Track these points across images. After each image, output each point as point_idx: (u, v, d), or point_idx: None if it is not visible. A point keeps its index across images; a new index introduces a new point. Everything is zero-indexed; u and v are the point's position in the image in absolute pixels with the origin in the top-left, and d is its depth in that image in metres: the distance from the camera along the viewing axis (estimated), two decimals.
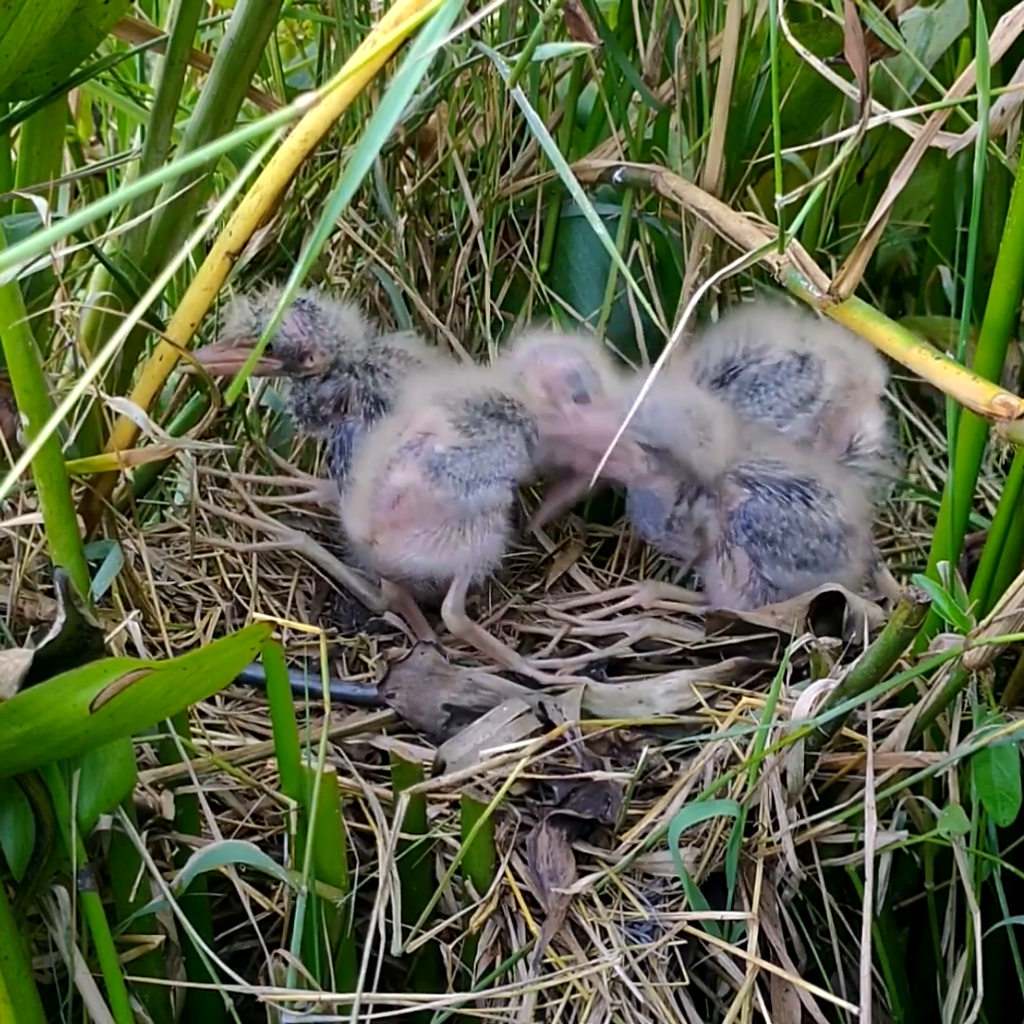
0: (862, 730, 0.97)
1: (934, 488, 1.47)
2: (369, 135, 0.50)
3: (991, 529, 1.05)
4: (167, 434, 1.15)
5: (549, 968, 0.95)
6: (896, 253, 1.78)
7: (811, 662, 1.02)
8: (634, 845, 0.98)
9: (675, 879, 0.97)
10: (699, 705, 1.08)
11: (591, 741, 1.05)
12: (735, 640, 1.15)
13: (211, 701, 1.13)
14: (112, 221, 1.19)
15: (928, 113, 0.88)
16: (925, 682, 0.99)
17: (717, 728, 1.03)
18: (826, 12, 0.93)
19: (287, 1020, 0.90)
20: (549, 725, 1.05)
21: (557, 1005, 0.93)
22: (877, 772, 0.95)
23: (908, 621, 0.86)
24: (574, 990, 0.93)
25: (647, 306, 1.16)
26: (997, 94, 0.88)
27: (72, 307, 1.09)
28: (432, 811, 1.01)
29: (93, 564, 1.00)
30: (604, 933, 0.95)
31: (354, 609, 1.29)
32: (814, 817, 0.97)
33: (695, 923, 0.96)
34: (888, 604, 1.22)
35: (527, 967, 0.95)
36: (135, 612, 1.06)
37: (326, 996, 0.91)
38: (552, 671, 1.17)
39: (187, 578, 1.25)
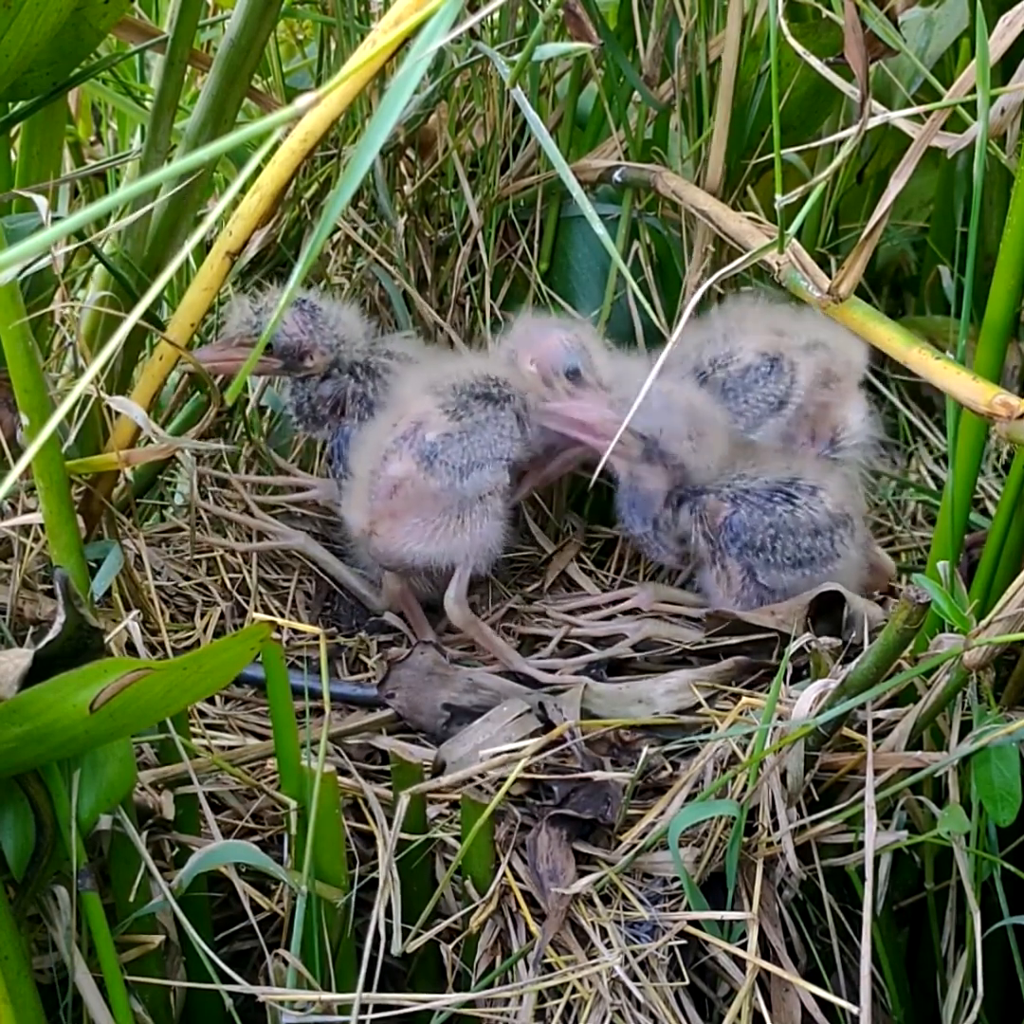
0: (862, 730, 0.97)
1: (934, 488, 1.47)
2: (369, 135, 0.50)
3: (991, 529, 1.05)
4: (167, 434, 1.15)
5: (549, 968, 0.95)
6: (896, 253, 1.78)
7: (811, 662, 1.02)
8: (634, 845, 0.98)
9: (675, 879, 0.97)
10: (699, 705, 1.08)
11: (591, 741, 1.05)
12: (734, 640, 1.15)
13: (211, 701, 1.13)
14: (112, 220, 1.19)
15: (928, 113, 0.88)
16: (925, 682, 0.99)
17: (717, 728, 1.03)
18: (826, 12, 0.93)
19: (287, 1020, 0.90)
20: (549, 725, 1.05)
21: (557, 1005, 0.93)
22: (877, 772, 0.95)
23: (908, 621, 0.86)
24: (574, 990, 0.93)
25: (647, 306, 1.16)
26: (997, 94, 0.88)
27: (72, 307, 1.09)
28: (432, 811, 1.01)
29: (93, 564, 1.00)
30: (604, 933, 0.95)
31: (354, 609, 1.29)
32: (814, 817, 0.97)
33: (695, 923, 0.96)
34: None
35: (527, 967, 0.95)
36: (135, 612, 1.06)
37: (326, 996, 0.91)
38: (552, 671, 1.17)
39: (187, 578, 1.25)
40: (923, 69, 0.98)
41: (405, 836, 0.98)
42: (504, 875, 0.97)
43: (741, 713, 1.02)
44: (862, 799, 0.93)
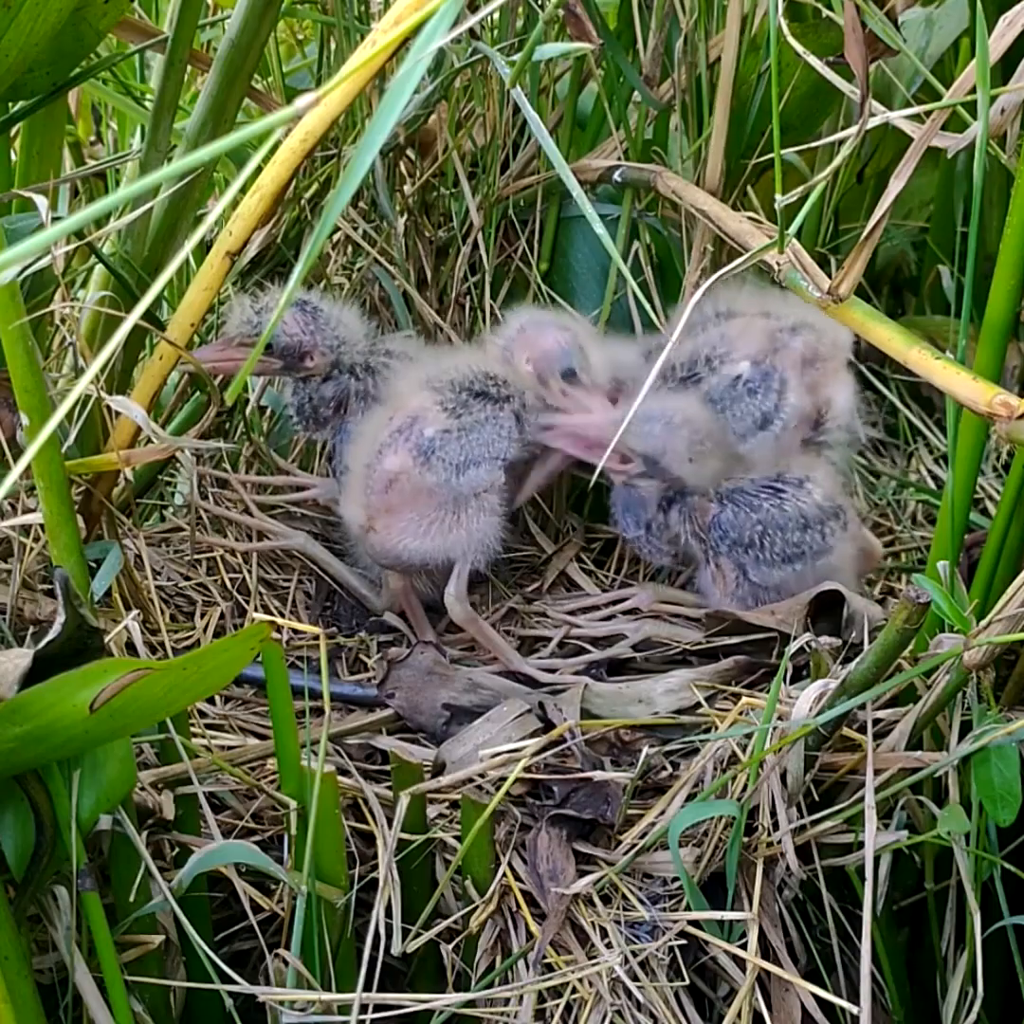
0: (862, 730, 0.97)
1: (934, 487, 1.47)
2: (369, 135, 0.50)
3: (991, 529, 1.05)
4: (167, 434, 1.15)
5: (549, 968, 0.95)
6: (896, 253, 1.78)
7: (811, 662, 1.02)
8: (634, 845, 0.98)
9: (675, 879, 0.97)
10: (699, 704, 1.08)
11: (591, 741, 1.05)
12: (734, 640, 1.15)
13: (211, 701, 1.13)
14: (112, 220, 1.19)
15: (928, 113, 0.88)
16: (925, 682, 0.99)
17: (717, 728, 1.03)
18: (826, 12, 0.93)
19: (287, 1020, 0.90)
20: (549, 725, 1.05)
21: (557, 1005, 0.93)
22: (877, 772, 0.95)
23: (908, 621, 0.86)
24: (574, 990, 0.93)
25: (647, 306, 1.16)
26: (997, 94, 0.88)
27: (72, 307, 1.09)
28: (432, 811, 1.01)
29: (93, 564, 1.00)
30: (604, 933, 0.95)
31: (354, 609, 1.29)
32: (814, 817, 0.97)
33: (695, 923, 0.96)
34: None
35: (527, 967, 0.95)
36: (135, 612, 1.06)
37: (326, 996, 0.91)
38: (552, 671, 1.17)
39: (187, 578, 1.25)
40: (923, 69, 0.98)
41: (405, 836, 0.98)
42: (504, 875, 0.97)
43: (741, 713, 1.02)
44: (862, 799, 0.93)
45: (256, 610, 1.23)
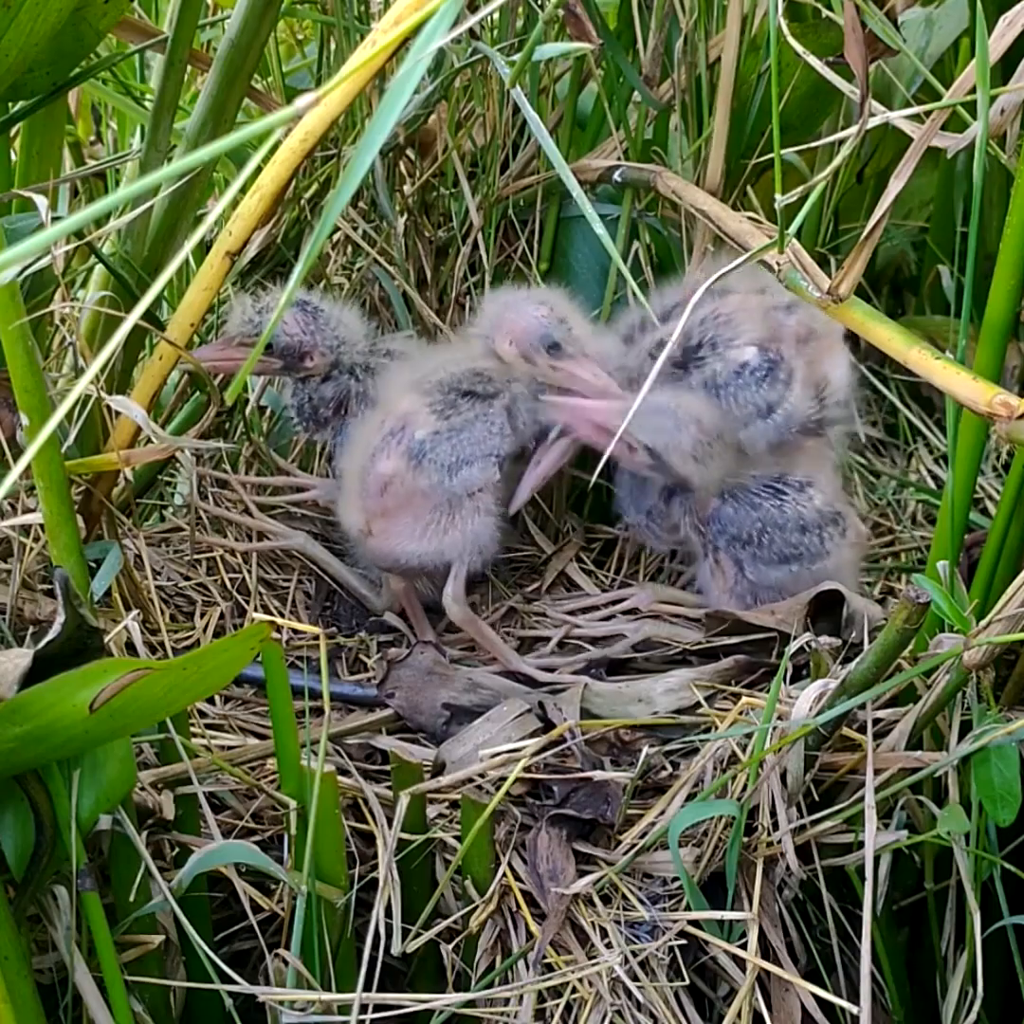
0: (862, 730, 0.97)
1: (934, 487, 1.47)
2: (369, 135, 0.50)
3: (991, 529, 1.05)
4: (167, 434, 1.15)
5: (549, 968, 0.95)
6: (896, 253, 1.78)
7: (811, 662, 1.02)
8: (634, 845, 0.98)
9: (675, 879, 0.97)
10: (698, 704, 1.08)
11: (591, 741, 1.05)
12: (734, 640, 1.15)
13: (211, 701, 1.13)
14: (112, 219, 1.19)
15: (928, 113, 0.88)
16: (925, 682, 0.99)
17: (717, 728, 1.03)
18: (826, 12, 0.93)
19: (287, 1020, 0.90)
20: (549, 724, 1.05)
21: (557, 1005, 0.93)
22: (877, 772, 0.95)
23: (908, 621, 0.86)
24: (574, 990, 0.93)
25: (646, 306, 1.16)
26: (997, 94, 0.88)
27: (72, 307, 1.09)
28: (432, 811, 1.01)
29: (93, 564, 1.00)
30: (604, 933, 0.95)
31: (354, 609, 1.29)
32: (814, 817, 0.97)
33: (695, 923, 0.96)
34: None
35: (527, 967, 0.95)
36: (135, 612, 1.06)
37: (326, 996, 0.91)
38: (551, 670, 1.17)
39: (187, 578, 1.25)
40: (923, 69, 0.98)
41: (405, 836, 0.98)
42: (504, 875, 0.97)
43: (741, 713, 1.02)
44: (862, 799, 0.93)
45: (256, 610, 1.23)
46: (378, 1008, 0.92)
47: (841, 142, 0.90)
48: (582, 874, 0.97)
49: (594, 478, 1.09)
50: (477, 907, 0.97)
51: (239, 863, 0.95)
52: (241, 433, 1.38)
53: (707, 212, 1.16)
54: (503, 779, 0.99)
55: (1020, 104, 0.91)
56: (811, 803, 0.98)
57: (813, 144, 1.15)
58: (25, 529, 1.05)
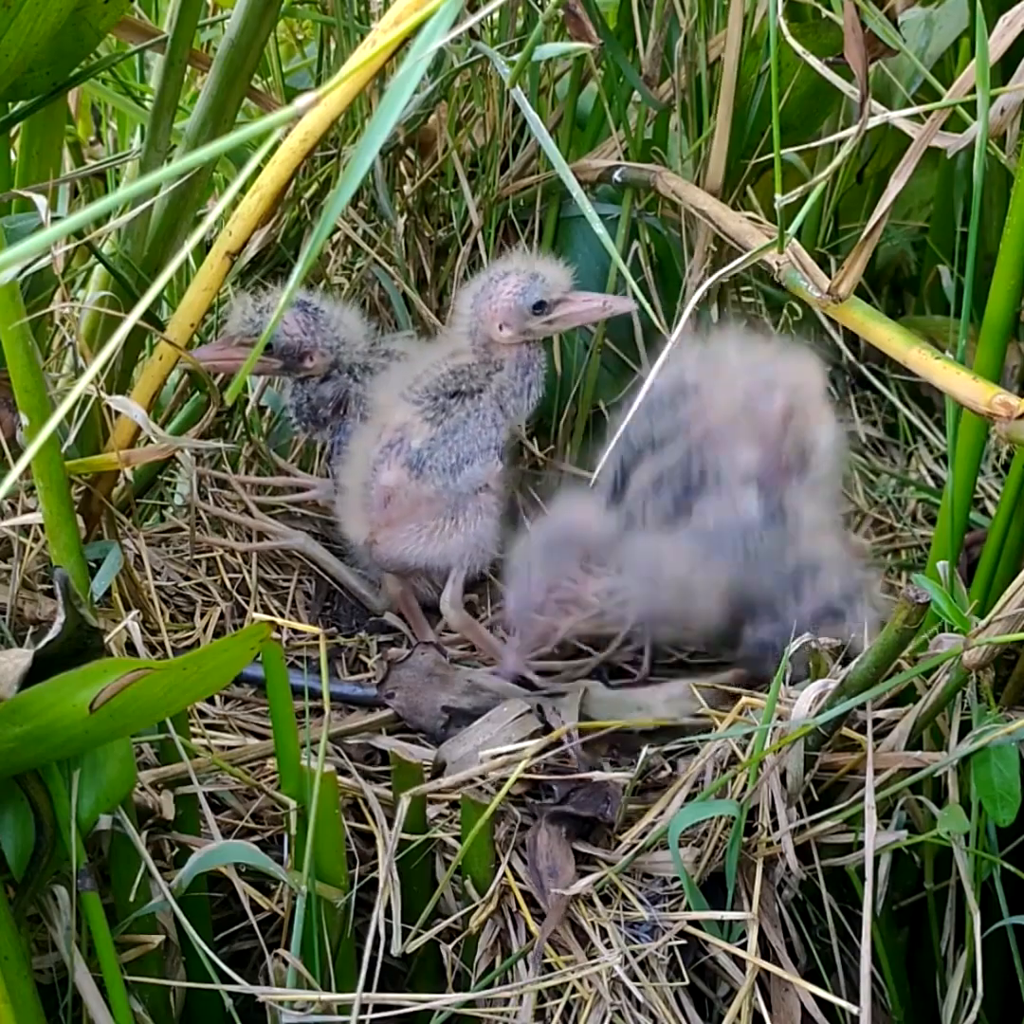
0: (862, 730, 0.97)
1: (933, 487, 1.47)
2: (369, 135, 0.50)
3: (991, 529, 1.05)
4: (167, 434, 1.15)
5: (549, 968, 0.95)
6: (896, 253, 1.78)
7: (811, 662, 1.02)
8: (634, 845, 0.98)
9: (675, 879, 0.97)
10: (699, 713, 1.07)
11: (590, 743, 1.05)
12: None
13: (211, 701, 1.13)
14: (112, 218, 1.18)
15: (928, 113, 0.88)
16: (925, 682, 0.99)
17: (717, 728, 1.03)
18: (826, 12, 0.93)
19: (287, 1020, 0.90)
20: (549, 727, 1.05)
21: (557, 1005, 0.93)
22: (877, 772, 0.95)
23: (907, 621, 0.86)
24: (574, 990, 0.93)
25: (647, 306, 1.16)
26: (997, 94, 0.88)
27: (72, 307, 1.09)
28: (432, 811, 1.01)
29: (93, 564, 1.00)
30: (604, 933, 0.95)
31: (354, 609, 1.29)
32: (814, 817, 0.97)
33: (695, 923, 0.96)
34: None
35: (527, 967, 0.95)
36: (135, 612, 1.06)
37: (326, 996, 0.91)
38: (550, 673, 1.17)
39: (187, 578, 1.25)
40: (923, 69, 0.98)
41: (405, 836, 0.98)
42: (504, 875, 0.97)
43: (741, 713, 1.02)
44: (862, 799, 0.93)
45: (256, 610, 1.23)
46: (378, 1008, 0.92)
47: (841, 142, 0.90)
48: (582, 874, 0.96)
49: (594, 477, 1.09)
50: (477, 907, 0.97)
51: (239, 863, 0.95)
52: (241, 433, 1.38)
53: (707, 212, 1.16)
54: (504, 780, 0.99)
55: (1020, 104, 0.91)
56: (811, 803, 0.98)
57: (813, 144, 1.15)
58: (25, 529, 1.05)
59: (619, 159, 1.33)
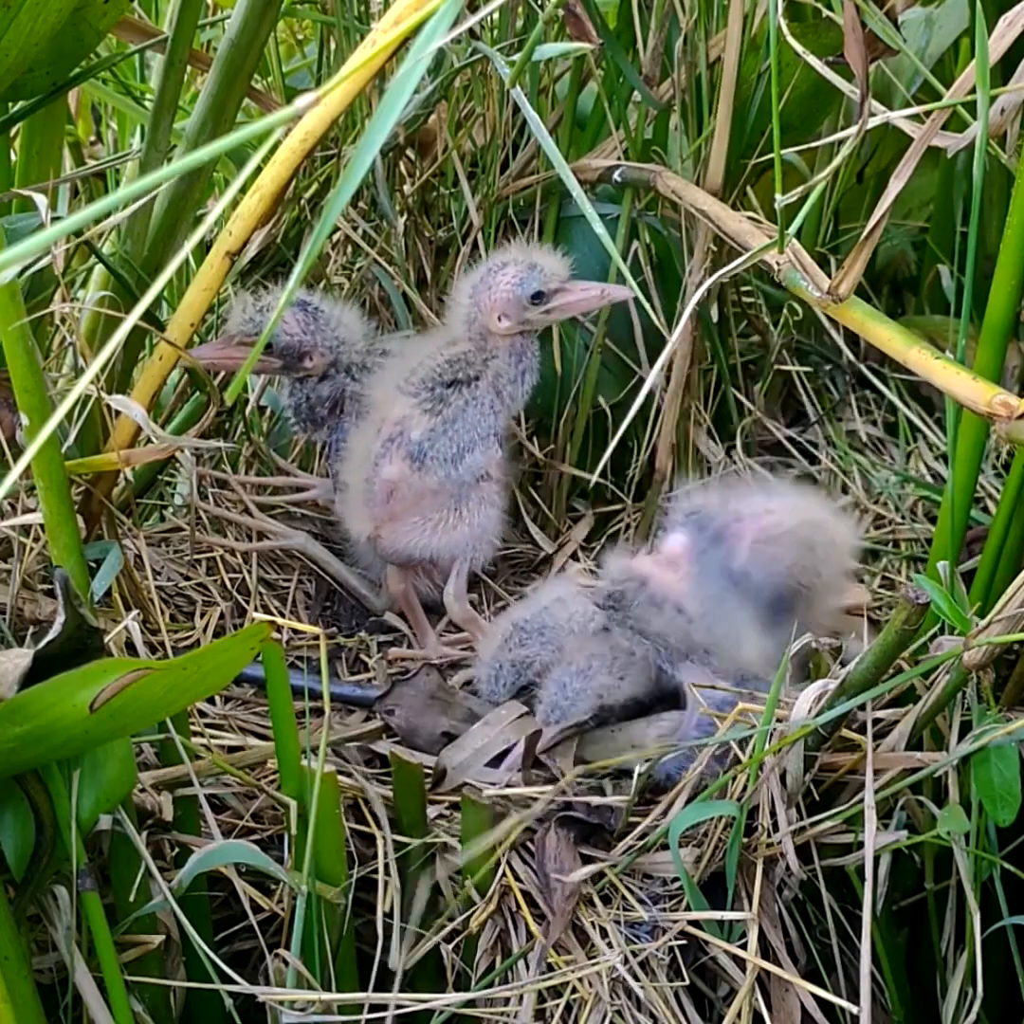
0: (862, 730, 0.97)
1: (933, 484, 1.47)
2: (369, 135, 0.50)
3: (991, 529, 1.05)
4: (167, 434, 1.15)
5: (549, 968, 0.95)
6: (896, 253, 1.78)
7: (811, 662, 1.02)
8: (634, 845, 0.98)
9: (675, 879, 0.97)
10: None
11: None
12: None
13: (211, 701, 1.13)
14: (111, 219, 1.18)
15: (928, 113, 0.88)
16: (925, 682, 0.99)
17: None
18: (826, 12, 0.93)
19: (287, 1020, 0.90)
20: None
21: (557, 1005, 0.93)
22: (877, 772, 0.95)
23: (907, 621, 0.86)
24: (574, 990, 0.93)
25: (647, 306, 1.16)
26: (997, 94, 0.88)
27: (72, 307, 1.09)
28: (432, 811, 1.01)
29: (93, 564, 1.00)
30: (604, 933, 0.95)
31: (354, 609, 1.29)
32: (814, 817, 0.97)
33: (695, 923, 0.96)
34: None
35: (527, 967, 0.95)
36: (135, 612, 1.06)
37: (326, 996, 0.91)
38: None
39: (187, 578, 1.25)
40: (923, 69, 0.98)
41: (406, 839, 0.98)
42: (504, 875, 0.97)
43: (740, 714, 1.02)
44: (862, 799, 0.93)
45: (256, 610, 1.23)
46: (378, 1008, 0.92)
47: (841, 142, 0.90)
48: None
49: (595, 477, 1.10)
50: (477, 907, 0.97)
51: (239, 863, 0.95)
52: (241, 433, 1.38)
53: (707, 212, 1.16)
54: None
55: (1020, 104, 0.91)
56: (811, 803, 0.98)
57: (813, 144, 1.16)
58: (25, 529, 1.05)
59: (619, 159, 1.33)
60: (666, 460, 1.36)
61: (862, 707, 0.94)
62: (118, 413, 1.04)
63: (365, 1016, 0.91)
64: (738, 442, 1.44)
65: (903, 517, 1.42)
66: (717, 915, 0.95)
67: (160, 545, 1.29)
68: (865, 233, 0.91)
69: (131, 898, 0.92)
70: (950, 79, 0.93)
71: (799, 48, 0.90)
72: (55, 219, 1.00)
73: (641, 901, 0.97)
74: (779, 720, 0.95)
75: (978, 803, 0.94)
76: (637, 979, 0.94)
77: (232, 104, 1.24)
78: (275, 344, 1.23)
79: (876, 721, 0.99)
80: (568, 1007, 0.93)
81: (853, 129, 0.88)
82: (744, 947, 0.94)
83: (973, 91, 0.85)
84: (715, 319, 1.40)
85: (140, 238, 1.25)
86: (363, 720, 1.13)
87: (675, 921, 0.96)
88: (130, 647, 1.03)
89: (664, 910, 0.96)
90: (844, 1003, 0.90)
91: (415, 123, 1.35)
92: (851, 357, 1.58)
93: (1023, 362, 1.47)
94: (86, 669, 0.78)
